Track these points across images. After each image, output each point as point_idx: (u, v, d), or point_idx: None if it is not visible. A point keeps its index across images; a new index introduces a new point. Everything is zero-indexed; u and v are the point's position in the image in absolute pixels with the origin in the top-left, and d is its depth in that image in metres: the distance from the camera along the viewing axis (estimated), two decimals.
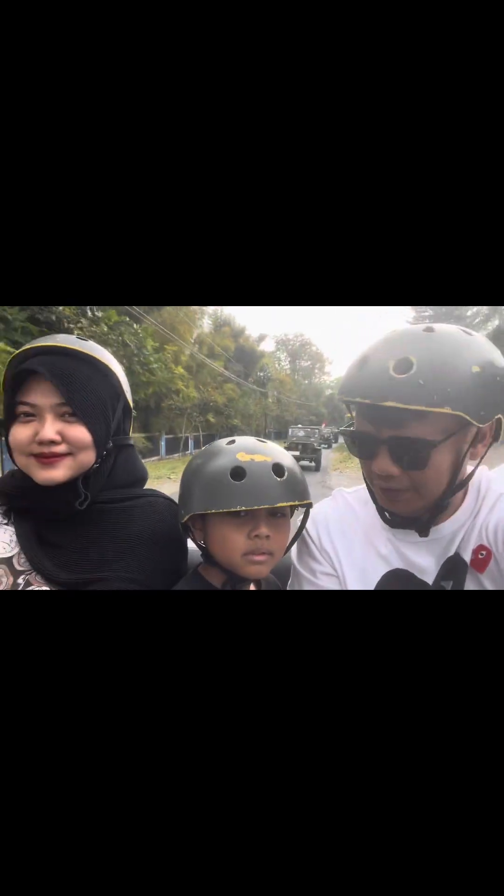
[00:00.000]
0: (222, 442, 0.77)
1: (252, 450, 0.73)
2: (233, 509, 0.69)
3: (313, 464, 16.97)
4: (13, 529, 0.79)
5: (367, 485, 0.76)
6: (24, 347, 0.76)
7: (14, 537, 0.78)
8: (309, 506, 0.80)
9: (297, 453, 16.16)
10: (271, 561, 0.76)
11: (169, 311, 19.27)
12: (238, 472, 0.70)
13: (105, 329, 12.63)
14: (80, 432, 0.73)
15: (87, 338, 0.81)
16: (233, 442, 0.75)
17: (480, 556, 0.71)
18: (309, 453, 17.16)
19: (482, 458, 0.70)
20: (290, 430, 20.86)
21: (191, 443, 20.71)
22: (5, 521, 0.80)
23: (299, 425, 22.41)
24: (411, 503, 0.68)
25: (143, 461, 0.91)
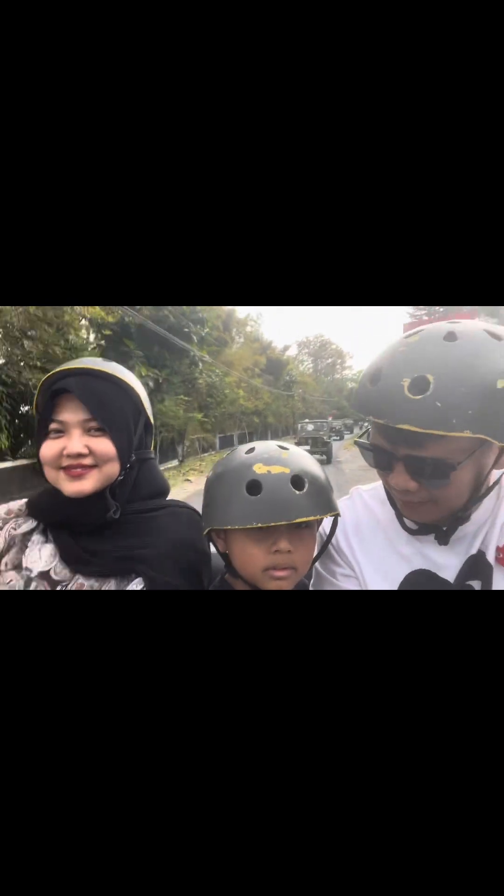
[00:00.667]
0: (242, 450, 0.75)
1: (270, 460, 0.70)
2: (249, 526, 0.66)
3: (324, 457, 17.00)
4: (52, 546, 0.83)
5: (385, 487, 0.73)
6: (52, 371, 0.83)
7: (52, 551, 0.83)
8: (336, 516, 0.76)
9: (307, 447, 16.45)
10: (294, 576, 0.73)
11: (232, 352, 26.11)
12: (254, 486, 0.67)
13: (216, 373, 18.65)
14: (106, 445, 0.79)
15: (110, 360, 0.87)
16: (252, 450, 0.73)
17: None
18: (319, 447, 17.36)
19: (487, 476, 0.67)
20: (299, 425, 20.99)
21: (235, 439, 24.70)
22: (44, 539, 0.84)
23: (307, 419, 22.48)
24: (431, 513, 0.66)
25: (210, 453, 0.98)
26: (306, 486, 0.69)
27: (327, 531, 0.81)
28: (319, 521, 0.77)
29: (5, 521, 0.87)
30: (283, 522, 0.66)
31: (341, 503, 0.82)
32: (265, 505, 0.66)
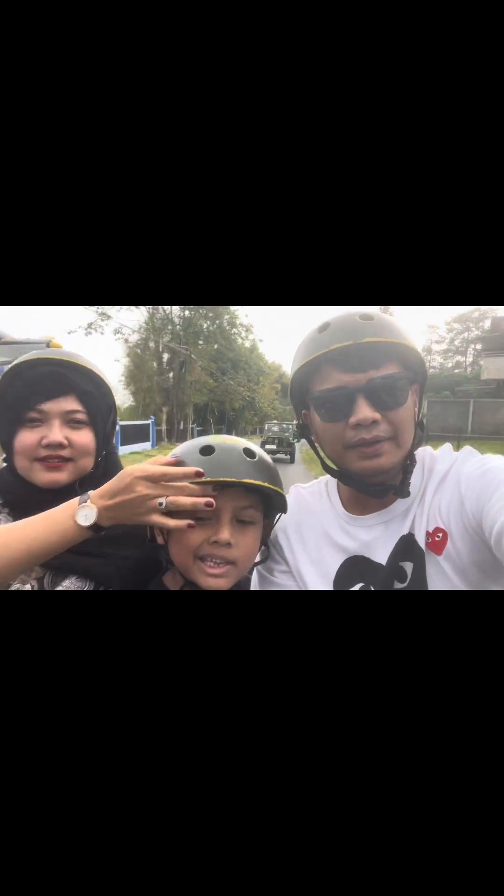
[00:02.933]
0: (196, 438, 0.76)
1: (225, 437, 0.73)
2: (197, 481, 0.64)
3: (288, 456, 17.76)
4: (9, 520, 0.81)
5: (335, 469, 0.76)
6: (27, 357, 0.80)
7: None
8: (282, 504, 0.77)
9: (273, 447, 17.75)
10: (233, 572, 0.70)
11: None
12: (207, 449, 0.69)
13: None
14: (86, 437, 0.80)
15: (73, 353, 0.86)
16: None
17: (437, 539, 0.71)
18: (284, 447, 18.14)
19: (417, 421, 0.74)
20: (265, 426, 21.59)
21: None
22: (7, 520, 0.81)
23: (274, 421, 23.20)
24: (392, 454, 0.69)
25: None
26: (257, 457, 0.71)
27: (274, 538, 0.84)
28: (269, 520, 0.77)
29: None
30: (232, 479, 0.66)
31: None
32: (217, 463, 0.67)
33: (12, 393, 0.79)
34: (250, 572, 0.81)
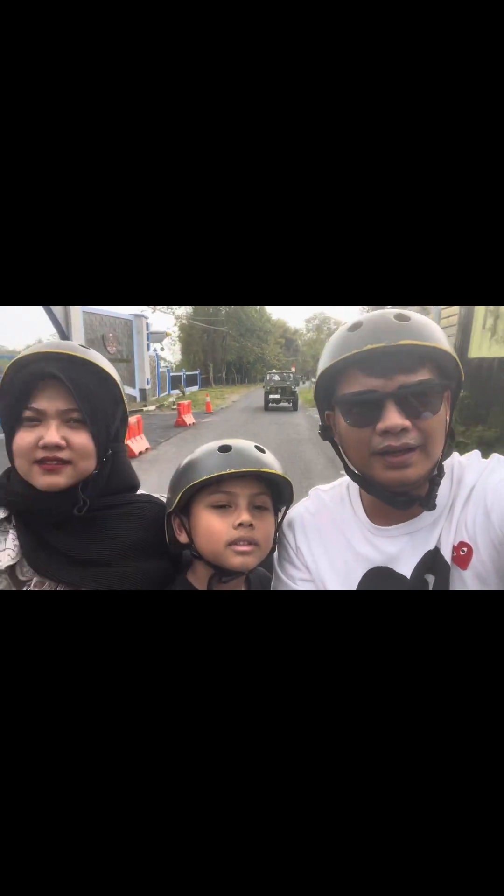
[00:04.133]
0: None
1: (238, 440, 0.80)
2: (223, 472, 0.73)
3: (290, 404, 17.98)
4: (14, 534, 0.79)
5: (358, 474, 0.72)
6: (27, 352, 0.76)
7: (17, 542, 0.78)
8: (289, 494, 0.82)
9: (277, 396, 18.03)
10: (258, 552, 0.77)
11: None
12: (225, 448, 0.76)
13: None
14: (84, 438, 0.75)
15: (88, 346, 0.82)
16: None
17: (462, 553, 0.70)
18: (287, 395, 18.21)
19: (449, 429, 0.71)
20: (267, 376, 21.37)
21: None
22: (10, 524, 0.79)
23: (274, 371, 23.29)
24: (420, 465, 0.66)
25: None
26: (267, 452, 0.79)
27: (283, 529, 0.85)
28: (277, 511, 0.83)
29: None
30: (252, 469, 0.74)
31: (301, 504, 0.85)
32: (236, 457, 0.75)
33: (12, 390, 0.75)
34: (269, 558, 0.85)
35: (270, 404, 18.62)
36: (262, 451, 0.78)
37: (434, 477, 0.69)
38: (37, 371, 0.73)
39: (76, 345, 0.79)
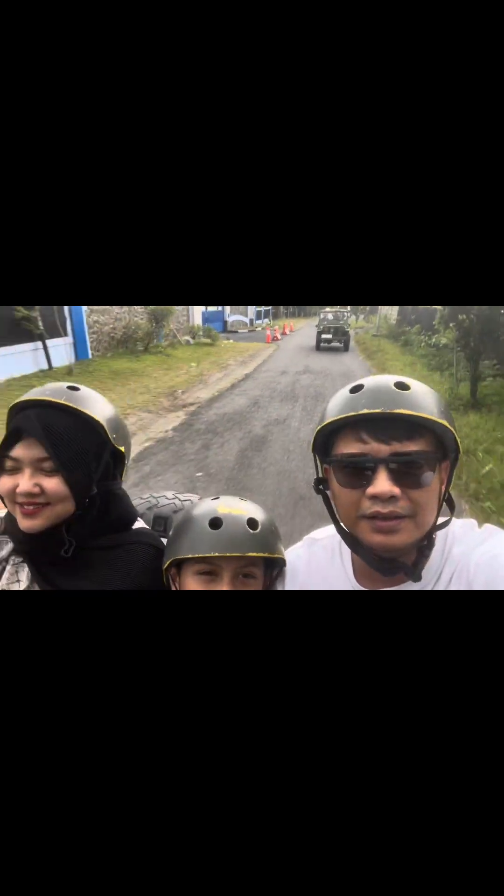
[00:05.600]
0: (209, 498, 0.84)
1: (231, 505, 0.79)
2: (208, 555, 0.74)
3: (342, 345, 17.62)
4: (28, 573, 0.83)
5: (347, 532, 0.72)
6: (19, 399, 0.80)
7: (28, 575, 0.83)
8: (281, 562, 0.83)
9: (329, 336, 17.61)
10: None
11: None
12: (216, 523, 0.76)
13: None
14: (56, 484, 0.77)
15: (77, 386, 0.83)
16: (217, 499, 0.82)
17: None
18: (339, 335, 17.78)
19: (444, 499, 0.70)
20: (320, 315, 20.80)
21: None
22: (20, 560, 0.84)
23: (327, 309, 22.80)
24: (408, 534, 0.65)
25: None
26: (259, 528, 0.77)
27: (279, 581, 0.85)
28: (269, 573, 0.83)
29: None
30: (236, 554, 0.74)
31: (294, 551, 0.86)
32: (224, 538, 0.75)
33: (3, 439, 0.79)
34: None
35: (322, 344, 17.84)
36: (255, 528, 0.77)
37: (423, 547, 0.68)
38: (23, 417, 0.78)
39: (63, 388, 0.81)
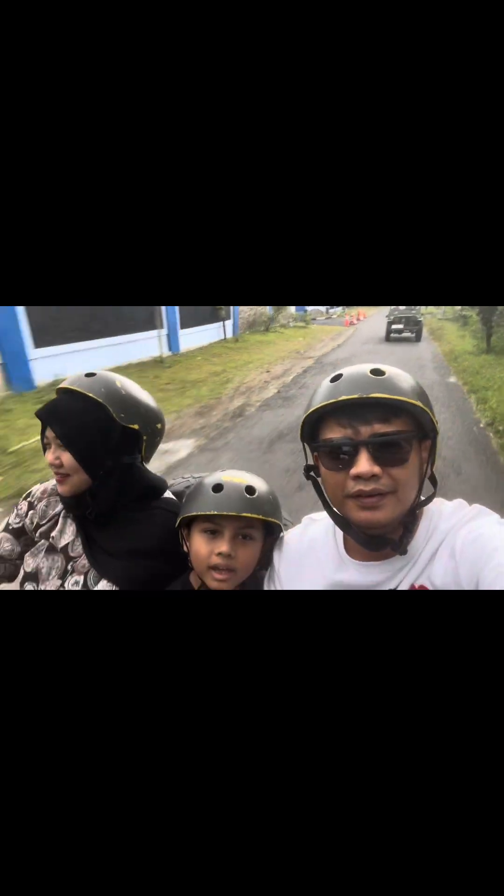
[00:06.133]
0: (217, 471, 0.95)
1: (234, 475, 0.90)
2: (209, 512, 0.85)
3: (413, 335, 17.33)
4: (73, 526, 1.02)
5: (335, 511, 0.76)
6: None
7: (73, 528, 1.02)
8: (278, 528, 0.91)
9: (400, 325, 17.28)
10: (234, 578, 0.88)
11: None
12: (218, 487, 0.87)
13: None
14: (68, 457, 0.92)
15: (94, 372, 0.96)
16: (224, 471, 0.93)
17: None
18: (411, 325, 17.43)
19: (425, 477, 0.74)
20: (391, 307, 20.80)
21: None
22: (68, 516, 1.03)
23: None
24: (390, 509, 0.69)
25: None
26: (255, 493, 0.88)
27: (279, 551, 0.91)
28: (268, 538, 0.92)
29: (40, 500, 1.06)
30: (233, 513, 0.85)
31: (293, 531, 0.92)
32: (224, 499, 0.86)
33: None
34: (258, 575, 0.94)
35: (392, 335, 17.42)
36: (252, 493, 0.86)
37: (407, 523, 0.72)
38: (51, 401, 0.95)
39: (81, 377, 0.95)
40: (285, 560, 0.90)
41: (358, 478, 0.68)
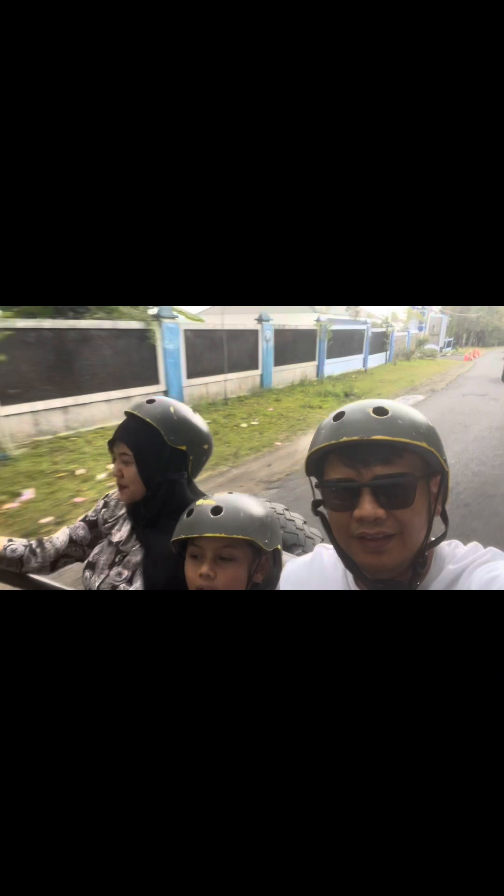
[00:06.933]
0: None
1: (213, 498, 0.92)
2: (177, 538, 0.90)
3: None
4: (129, 526, 1.19)
5: (342, 549, 0.73)
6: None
7: (128, 527, 1.19)
8: (266, 552, 0.91)
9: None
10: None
11: None
12: (190, 512, 0.92)
13: None
14: (130, 471, 1.11)
15: (153, 399, 1.14)
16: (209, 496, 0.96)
17: None
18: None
19: (435, 515, 0.72)
20: None
21: None
22: (127, 519, 1.21)
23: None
24: (397, 553, 0.67)
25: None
26: (222, 513, 0.89)
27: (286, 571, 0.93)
28: (251, 556, 0.91)
29: (113, 502, 1.27)
30: (194, 535, 0.88)
31: (301, 560, 0.92)
32: (193, 522, 0.89)
33: None
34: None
35: None
36: (217, 513, 0.88)
37: (416, 565, 0.70)
38: (121, 423, 1.14)
39: (143, 404, 1.13)
40: (290, 583, 0.90)
41: (362, 520, 0.66)
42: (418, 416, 0.70)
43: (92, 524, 1.30)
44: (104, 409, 7.19)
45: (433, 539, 0.72)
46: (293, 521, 1.47)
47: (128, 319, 7.35)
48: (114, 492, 1.27)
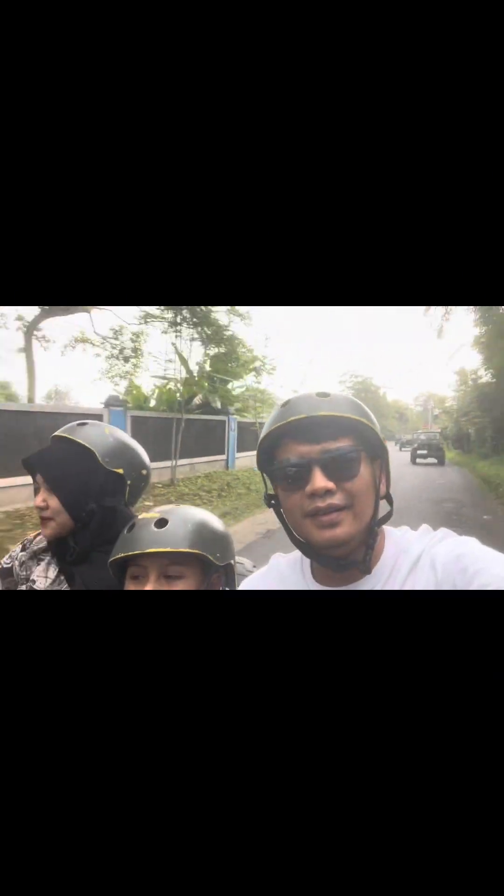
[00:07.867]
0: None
1: (159, 510, 0.87)
2: (117, 556, 0.83)
3: (436, 460, 20.11)
4: (55, 570, 1.08)
5: (298, 538, 0.76)
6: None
7: (55, 574, 1.07)
8: (218, 568, 0.88)
9: (424, 451, 20.38)
10: None
11: None
12: (131, 527, 0.85)
13: None
14: (54, 501, 0.99)
15: (85, 421, 1.07)
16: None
17: None
18: (434, 451, 20.48)
19: (382, 498, 0.75)
20: (413, 435, 24.89)
21: None
22: (51, 558, 1.09)
23: (421, 430, 27.16)
24: (348, 524, 0.70)
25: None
26: (166, 526, 0.83)
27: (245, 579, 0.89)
28: (200, 574, 0.87)
29: (34, 543, 1.13)
30: (135, 552, 0.81)
31: (258, 573, 0.88)
32: (135, 538, 0.82)
33: None
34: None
35: (418, 459, 20.27)
36: (161, 526, 0.82)
37: (369, 542, 0.73)
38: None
39: (74, 424, 1.05)
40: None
41: (314, 495, 0.69)
42: (357, 400, 0.76)
43: (6, 573, 1.16)
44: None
45: (380, 517, 0.76)
46: (242, 563, 1.39)
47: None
48: (34, 534, 1.17)
